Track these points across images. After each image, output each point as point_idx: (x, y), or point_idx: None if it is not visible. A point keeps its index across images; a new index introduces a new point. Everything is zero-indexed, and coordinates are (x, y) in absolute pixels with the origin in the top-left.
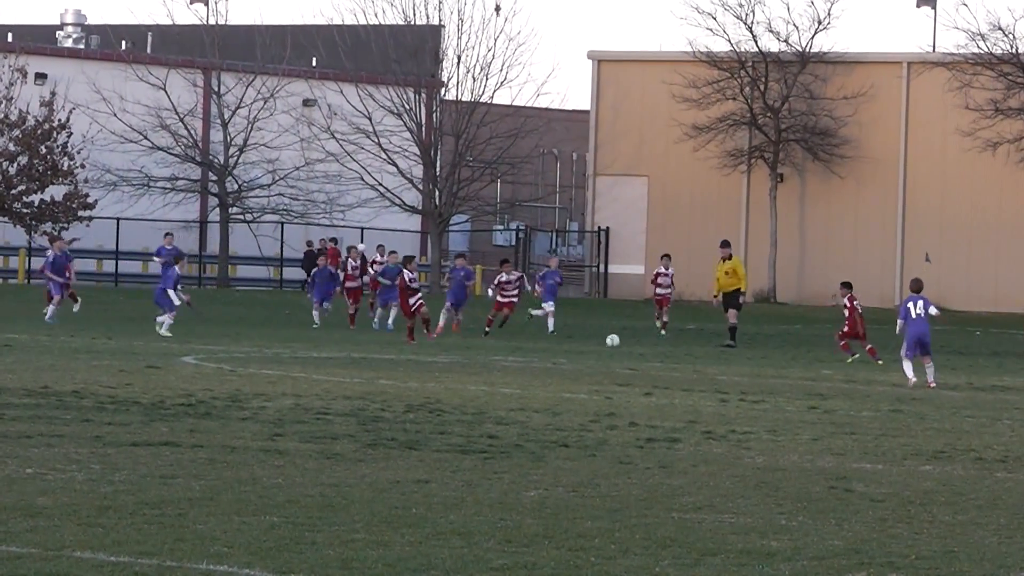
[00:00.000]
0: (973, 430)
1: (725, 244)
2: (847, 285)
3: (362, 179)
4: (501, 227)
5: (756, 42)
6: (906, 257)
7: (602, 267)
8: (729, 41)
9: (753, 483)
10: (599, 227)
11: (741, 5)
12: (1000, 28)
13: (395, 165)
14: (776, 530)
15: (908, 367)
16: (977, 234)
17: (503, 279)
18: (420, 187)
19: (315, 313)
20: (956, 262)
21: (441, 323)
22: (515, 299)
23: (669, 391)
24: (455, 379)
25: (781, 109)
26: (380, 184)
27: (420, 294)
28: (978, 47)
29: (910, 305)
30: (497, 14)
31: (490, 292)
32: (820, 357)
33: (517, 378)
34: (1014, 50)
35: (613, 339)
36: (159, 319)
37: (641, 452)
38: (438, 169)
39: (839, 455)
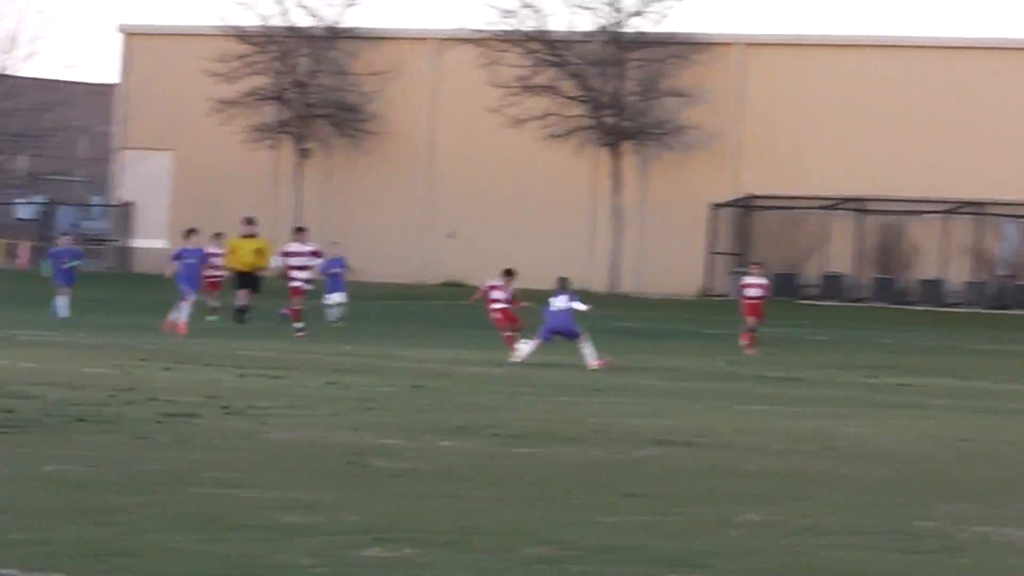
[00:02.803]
0: (493, 405)
1: (250, 221)
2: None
3: None
4: (23, 200)
5: (286, 17)
6: (431, 233)
7: (125, 241)
8: (259, 16)
9: (272, 458)
10: (123, 201)
11: None
12: (529, 5)
13: None
14: (294, 505)
15: (530, 346)
16: (503, 210)
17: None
18: None
19: None
20: (482, 238)
21: (183, 317)
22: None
23: (189, 366)
24: None
25: (309, 84)
26: None
27: None
28: (507, 24)
29: (554, 301)
30: None
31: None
32: (335, 331)
33: (37, 352)
34: (542, 27)
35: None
36: None
37: (160, 427)
38: None
39: (358, 430)
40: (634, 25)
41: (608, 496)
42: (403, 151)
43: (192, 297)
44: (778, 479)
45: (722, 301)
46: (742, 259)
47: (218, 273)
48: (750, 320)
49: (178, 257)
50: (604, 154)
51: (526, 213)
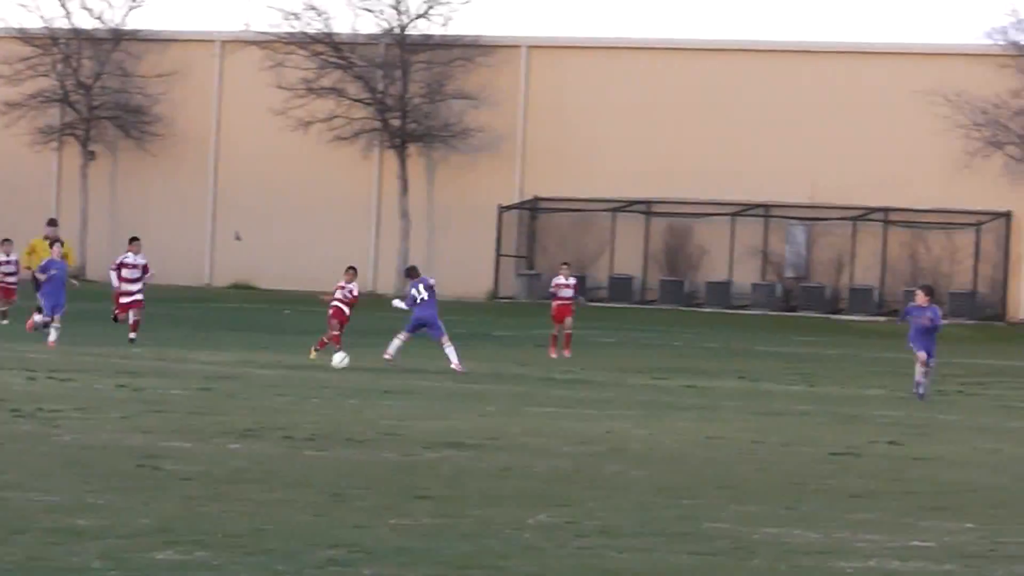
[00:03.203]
0: (283, 408)
1: (53, 223)
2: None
3: None
4: None
5: (70, 19)
6: (218, 236)
7: None
8: (42, 18)
9: (62, 461)
10: None
11: None
12: (314, 7)
13: None
14: (85, 508)
15: (396, 344)
16: (291, 212)
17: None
18: None
19: None
20: (270, 240)
21: (38, 318)
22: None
23: None
24: None
25: (94, 86)
26: None
27: None
28: (292, 26)
29: (414, 291)
30: None
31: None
32: (116, 333)
33: None
34: (327, 29)
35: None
36: None
37: None
38: None
39: (148, 433)
40: (419, 28)
41: (400, 498)
42: (189, 153)
43: (47, 312)
44: (569, 481)
45: (511, 304)
46: (529, 261)
47: (10, 279)
48: (568, 322)
49: (44, 270)
50: (391, 156)
51: (314, 215)
